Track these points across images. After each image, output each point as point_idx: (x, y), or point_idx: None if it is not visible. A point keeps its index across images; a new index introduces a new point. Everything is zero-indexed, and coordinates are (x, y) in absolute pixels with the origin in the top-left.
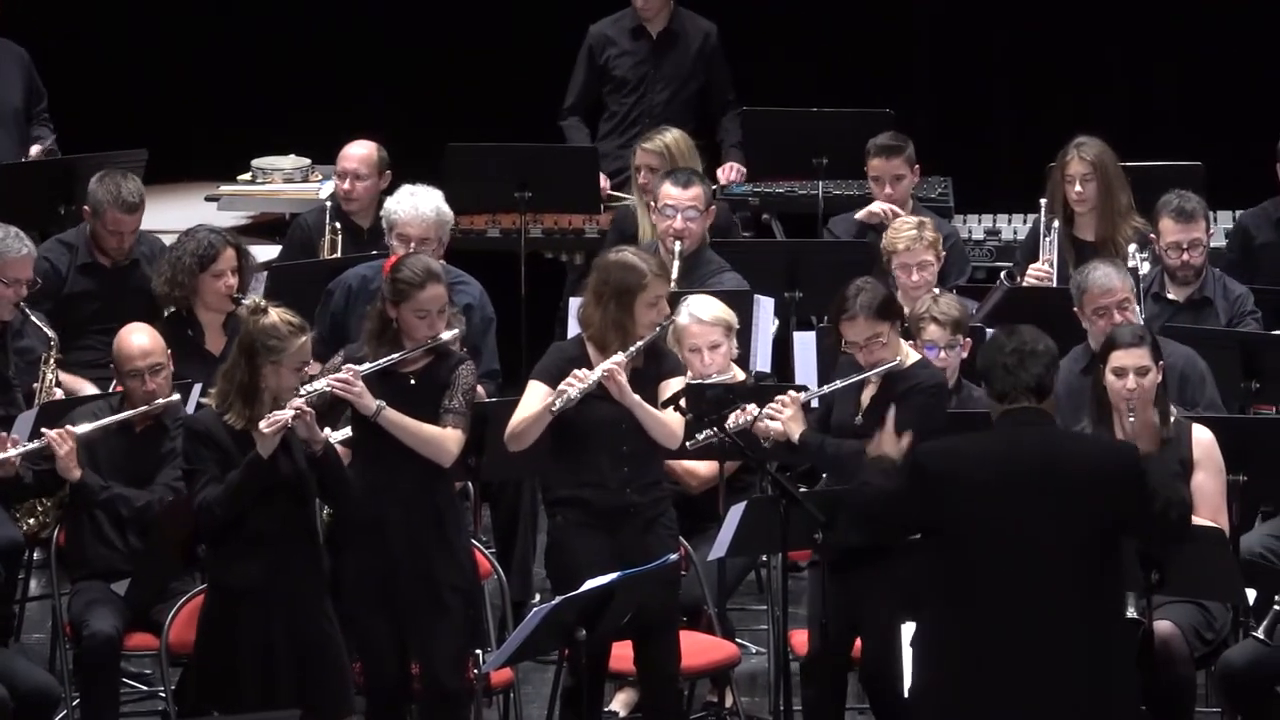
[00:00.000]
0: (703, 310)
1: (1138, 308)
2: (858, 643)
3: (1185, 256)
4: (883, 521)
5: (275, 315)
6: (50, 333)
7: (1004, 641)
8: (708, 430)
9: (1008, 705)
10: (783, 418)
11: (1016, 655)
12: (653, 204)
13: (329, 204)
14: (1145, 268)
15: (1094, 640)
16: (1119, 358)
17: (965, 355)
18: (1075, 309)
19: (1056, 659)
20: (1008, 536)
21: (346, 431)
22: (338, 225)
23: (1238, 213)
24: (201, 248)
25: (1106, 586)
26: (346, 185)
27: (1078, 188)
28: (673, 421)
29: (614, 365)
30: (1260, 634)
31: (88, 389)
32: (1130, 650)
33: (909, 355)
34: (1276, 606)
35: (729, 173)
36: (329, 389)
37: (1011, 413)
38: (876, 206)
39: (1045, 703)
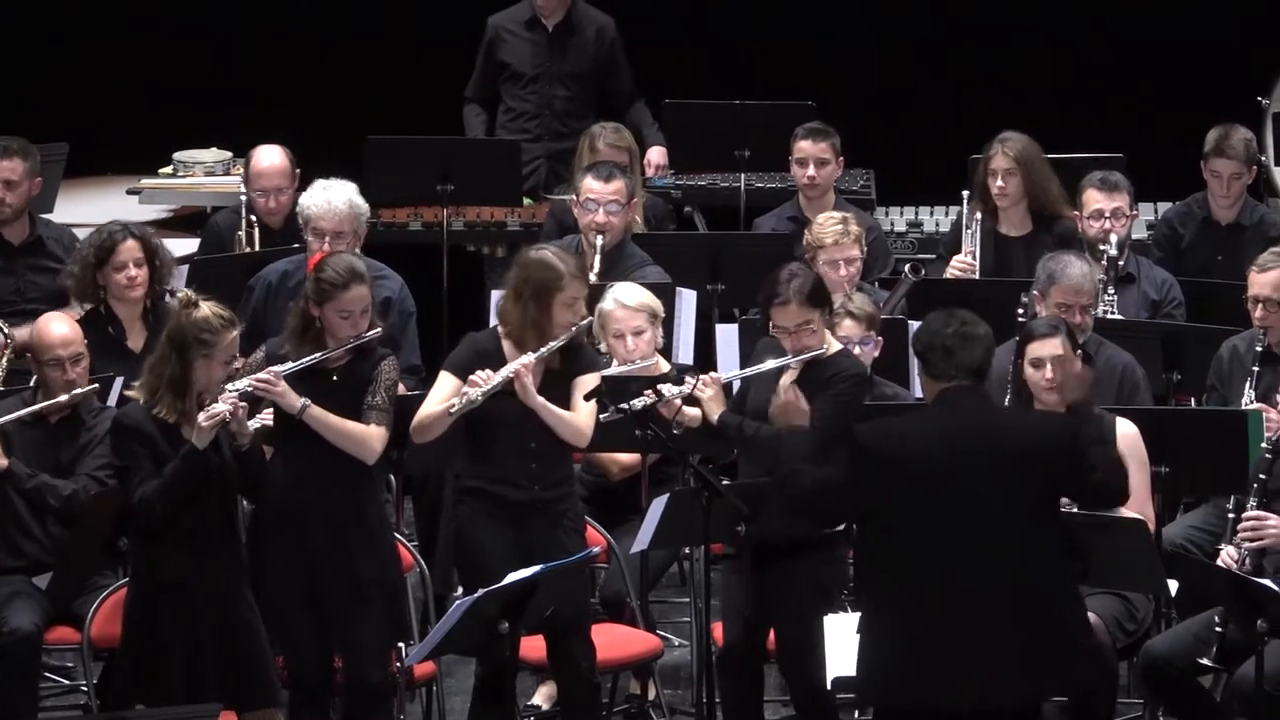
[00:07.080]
0: (627, 296)
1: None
2: (772, 634)
3: (1107, 225)
4: (823, 511)
5: (206, 309)
6: None
7: (953, 616)
8: (613, 409)
9: (959, 677)
10: (703, 398)
11: (966, 628)
12: (574, 198)
13: (243, 198)
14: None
15: (1041, 606)
16: (1034, 349)
17: (878, 353)
18: (1035, 291)
19: (1006, 629)
20: (953, 512)
21: (262, 418)
22: (254, 219)
23: (1158, 204)
24: (100, 240)
25: (1050, 553)
26: (271, 203)
27: (999, 182)
28: (580, 420)
29: (520, 366)
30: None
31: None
32: (1078, 611)
33: (832, 344)
34: (1217, 628)
35: (659, 158)
36: (251, 389)
37: (949, 391)
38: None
39: (997, 671)
